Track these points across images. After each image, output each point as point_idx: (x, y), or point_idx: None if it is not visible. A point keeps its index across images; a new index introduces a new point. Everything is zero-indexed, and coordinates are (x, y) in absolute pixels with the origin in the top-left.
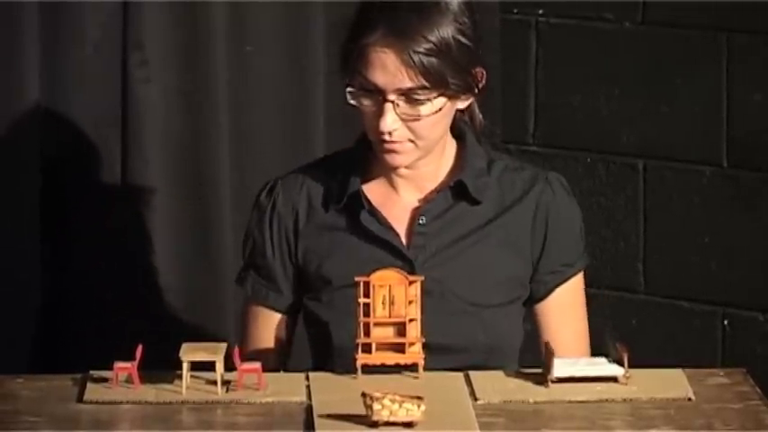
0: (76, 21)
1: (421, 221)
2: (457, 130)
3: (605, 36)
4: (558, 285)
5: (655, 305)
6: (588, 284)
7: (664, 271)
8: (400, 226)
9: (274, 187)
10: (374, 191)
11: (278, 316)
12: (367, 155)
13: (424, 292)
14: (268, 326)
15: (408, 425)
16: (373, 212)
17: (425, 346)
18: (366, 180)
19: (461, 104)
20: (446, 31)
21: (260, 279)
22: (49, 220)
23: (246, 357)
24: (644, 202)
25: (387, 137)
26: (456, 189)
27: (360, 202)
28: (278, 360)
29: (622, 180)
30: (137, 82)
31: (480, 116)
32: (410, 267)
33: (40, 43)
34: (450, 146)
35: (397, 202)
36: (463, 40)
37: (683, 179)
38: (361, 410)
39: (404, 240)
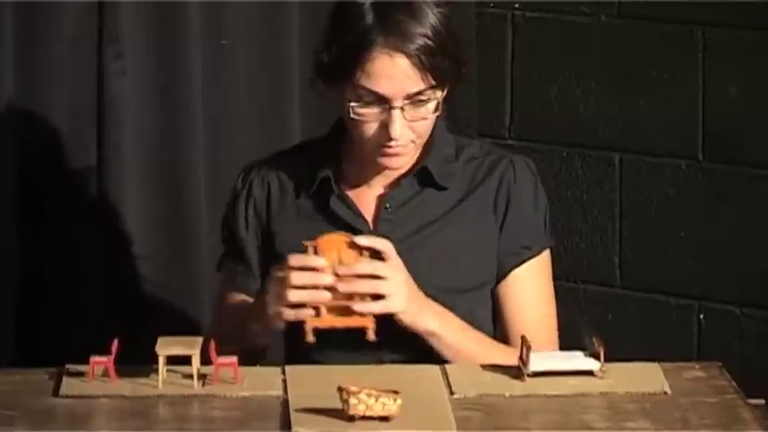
0: (52, 14)
1: (387, 207)
2: None
3: (581, 30)
4: (514, 267)
5: (631, 299)
6: (565, 278)
7: (640, 265)
8: (369, 213)
9: (249, 172)
10: (345, 178)
11: (249, 299)
12: (340, 143)
13: None
14: (240, 309)
15: (384, 419)
16: (343, 198)
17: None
18: (338, 167)
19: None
20: (434, 20)
21: (234, 263)
22: (24, 215)
23: (217, 341)
24: (620, 196)
25: (393, 143)
26: (421, 175)
27: (330, 187)
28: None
29: (598, 174)
30: (112, 75)
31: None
32: (376, 254)
33: (15, 37)
34: None
35: (367, 189)
36: (449, 27)
37: (660, 173)
38: (338, 405)
39: (372, 227)
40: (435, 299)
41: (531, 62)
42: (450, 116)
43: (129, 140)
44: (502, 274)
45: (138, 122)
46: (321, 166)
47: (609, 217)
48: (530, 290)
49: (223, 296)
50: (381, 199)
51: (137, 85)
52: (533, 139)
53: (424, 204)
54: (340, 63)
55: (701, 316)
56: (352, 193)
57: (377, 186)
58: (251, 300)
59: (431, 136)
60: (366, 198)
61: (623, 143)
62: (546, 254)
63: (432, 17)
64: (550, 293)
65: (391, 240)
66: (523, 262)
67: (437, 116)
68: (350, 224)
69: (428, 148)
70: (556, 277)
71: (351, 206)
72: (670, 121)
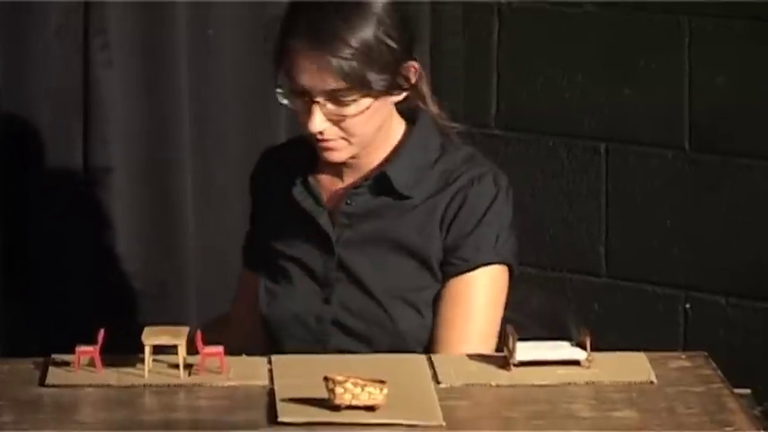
0: (38, 4)
1: (348, 202)
2: (413, 117)
3: (567, 19)
4: (449, 277)
5: (617, 289)
6: (551, 267)
7: (626, 254)
8: (333, 207)
9: (259, 159)
10: (319, 172)
11: (255, 278)
12: None
13: (339, 271)
14: (249, 288)
15: (370, 408)
16: (308, 188)
17: (337, 325)
18: (313, 161)
19: (395, 99)
20: (368, 32)
21: (247, 243)
22: (9, 206)
23: (234, 320)
24: (606, 186)
25: (318, 135)
26: (379, 181)
27: (293, 178)
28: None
29: (584, 163)
30: (98, 66)
31: (433, 106)
32: (328, 245)
33: (1, 27)
34: (397, 134)
35: (337, 184)
36: (387, 40)
37: (646, 162)
38: (324, 394)
39: (331, 220)
40: (382, 296)
41: (518, 52)
42: (435, 107)
43: (115, 132)
44: (442, 283)
45: (124, 114)
46: (294, 158)
47: (595, 206)
48: (458, 305)
49: (240, 277)
50: (345, 193)
51: (123, 74)
52: (519, 128)
53: (383, 205)
54: (275, 49)
55: (688, 306)
56: (322, 187)
57: (346, 180)
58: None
59: (401, 142)
60: (334, 193)
61: (610, 133)
62: (490, 270)
63: (366, 26)
64: (485, 313)
65: (346, 234)
66: (458, 274)
67: (375, 119)
68: (309, 212)
69: (396, 152)
70: (542, 266)
71: (316, 196)
72: (657, 111)
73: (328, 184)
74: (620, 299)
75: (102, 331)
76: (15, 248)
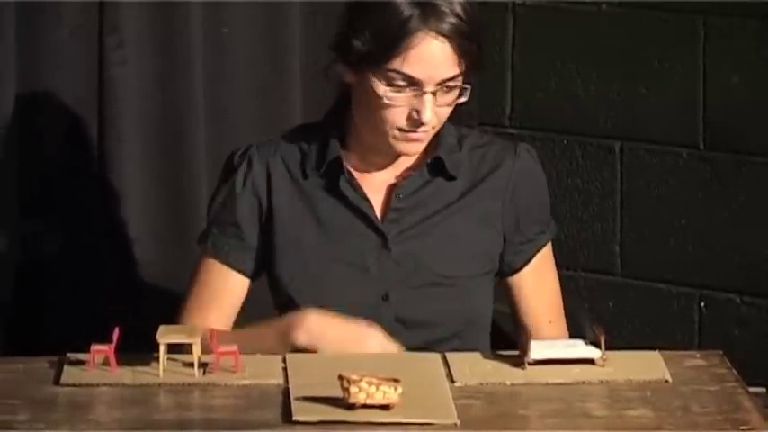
0: (53, 3)
1: (398, 196)
2: None
3: (582, 18)
4: (535, 253)
5: (632, 287)
6: (565, 267)
7: (640, 253)
8: (375, 201)
9: (248, 150)
10: (350, 162)
11: (234, 274)
12: (341, 129)
13: (398, 265)
14: (221, 282)
15: (385, 407)
16: (352, 180)
17: (399, 321)
18: (344, 150)
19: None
20: (470, 12)
21: (223, 237)
22: (26, 202)
23: (187, 311)
24: (621, 185)
25: (422, 128)
26: (433, 165)
27: (340, 168)
28: (220, 320)
29: (599, 162)
30: (113, 64)
31: None
32: (383, 241)
33: (17, 26)
34: None
35: (371, 178)
36: (476, 13)
37: (660, 161)
38: (338, 393)
39: (378, 215)
40: (439, 285)
41: (532, 51)
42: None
43: (129, 131)
44: (522, 262)
45: (139, 112)
46: (329, 147)
47: (609, 205)
48: (545, 275)
49: (204, 265)
50: (390, 188)
51: (137, 72)
52: (534, 127)
53: (432, 194)
54: (379, 49)
55: (702, 304)
56: (357, 177)
57: (383, 174)
58: (233, 274)
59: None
60: (370, 184)
61: (624, 131)
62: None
63: (468, 7)
64: (557, 281)
65: (398, 227)
66: (541, 247)
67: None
68: (357, 206)
69: (436, 138)
70: (556, 265)
71: (358, 190)
72: (671, 110)
73: (359, 176)
74: (634, 297)
75: (116, 330)
76: (31, 246)
